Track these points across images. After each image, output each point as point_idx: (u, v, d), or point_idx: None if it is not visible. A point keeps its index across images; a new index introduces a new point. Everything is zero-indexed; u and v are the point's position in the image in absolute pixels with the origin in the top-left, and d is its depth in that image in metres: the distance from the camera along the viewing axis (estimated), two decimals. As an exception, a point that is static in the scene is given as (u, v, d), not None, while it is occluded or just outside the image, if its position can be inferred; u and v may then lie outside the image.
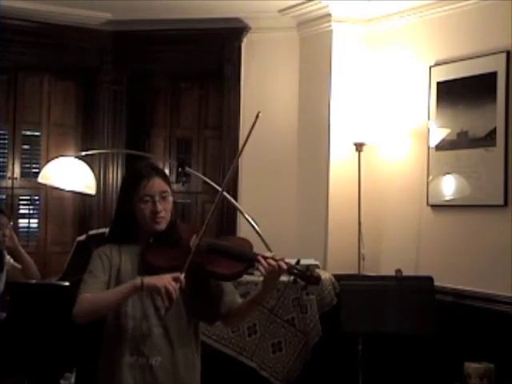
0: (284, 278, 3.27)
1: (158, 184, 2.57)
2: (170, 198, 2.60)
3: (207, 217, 2.56)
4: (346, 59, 5.28)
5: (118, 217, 2.65)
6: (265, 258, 2.47)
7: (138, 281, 2.39)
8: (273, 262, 2.45)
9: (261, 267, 2.46)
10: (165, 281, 2.35)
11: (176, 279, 2.37)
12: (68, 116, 6.28)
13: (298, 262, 2.52)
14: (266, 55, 5.78)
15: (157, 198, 2.55)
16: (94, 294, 2.46)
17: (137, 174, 2.60)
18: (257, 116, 2.67)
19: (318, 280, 2.50)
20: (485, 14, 4.55)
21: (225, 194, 5.10)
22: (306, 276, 2.47)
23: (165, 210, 2.57)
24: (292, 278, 2.50)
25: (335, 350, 4.65)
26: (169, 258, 2.50)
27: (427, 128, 4.88)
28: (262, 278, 2.55)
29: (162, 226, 2.57)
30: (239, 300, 2.65)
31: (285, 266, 2.46)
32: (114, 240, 2.63)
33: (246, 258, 2.51)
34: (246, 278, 2.69)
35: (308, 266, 2.51)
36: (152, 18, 5.83)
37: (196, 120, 6.29)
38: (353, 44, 5.31)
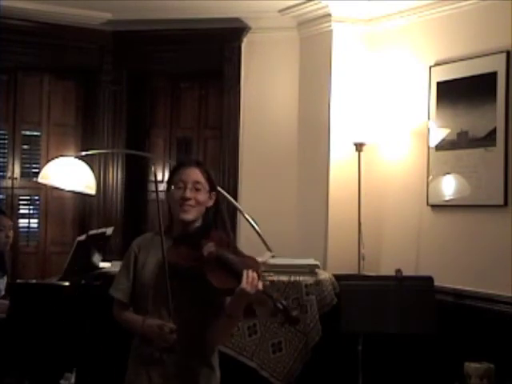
0: (284, 277, 3.27)
1: (193, 173, 2.61)
2: (205, 194, 2.61)
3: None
4: (346, 59, 5.28)
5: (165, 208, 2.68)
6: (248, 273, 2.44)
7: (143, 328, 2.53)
8: (252, 276, 2.43)
9: (243, 278, 2.43)
10: (160, 336, 2.47)
11: (171, 330, 2.46)
12: (68, 116, 6.28)
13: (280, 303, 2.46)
14: (266, 55, 5.78)
15: (189, 186, 2.58)
16: (127, 314, 2.63)
17: (178, 163, 2.69)
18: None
19: (296, 321, 2.48)
20: (485, 14, 4.55)
21: (225, 193, 5.11)
22: (287, 314, 2.45)
23: (195, 200, 2.58)
24: (273, 310, 2.46)
25: (335, 349, 4.64)
26: (186, 261, 2.53)
27: (427, 128, 4.88)
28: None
29: (189, 215, 2.58)
30: None
31: (260, 287, 2.43)
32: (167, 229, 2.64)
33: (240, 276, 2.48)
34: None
35: (288, 304, 2.47)
36: (152, 18, 5.83)
37: (196, 120, 6.29)
38: (353, 44, 5.31)
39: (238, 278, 2.45)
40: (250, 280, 2.41)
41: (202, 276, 2.48)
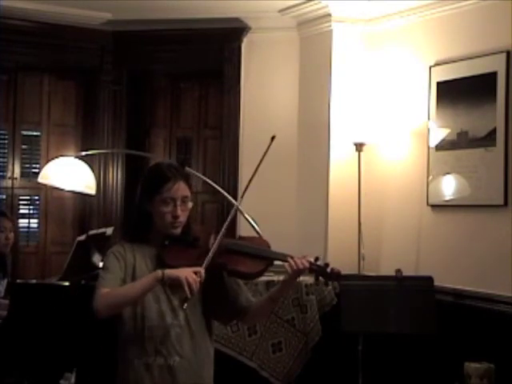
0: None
1: (182, 188, 2.57)
2: (190, 204, 2.61)
3: (227, 219, 2.60)
4: (346, 59, 5.28)
5: (137, 215, 2.63)
6: (290, 256, 2.53)
7: (158, 272, 2.40)
8: (298, 261, 2.51)
9: (287, 266, 2.51)
10: (186, 273, 2.37)
11: (196, 272, 2.39)
12: (68, 116, 6.28)
13: (316, 259, 2.55)
14: (265, 55, 5.78)
15: (178, 202, 2.55)
16: (114, 288, 2.47)
17: (162, 174, 2.58)
18: (272, 139, 2.70)
19: (338, 275, 2.53)
20: (485, 14, 4.55)
21: (225, 193, 5.11)
22: (327, 273, 2.52)
23: (183, 215, 2.58)
24: (313, 275, 2.54)
25: (335, 349, 4.65)
26: (189, 259, 2.50)
27: (427, 128, 4.88)
28: (281, 277, 2.61)
29: (178, 230, 2.58)
30: (253, 299, 2.67)
31: (307, 264, 2.51)
32: (129, 238, 2.63)
33: (267, 257, 2.55)
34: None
35: (327, 263, 2.55)
36: (152, 18, 5.83)
37: (196, 120, 6.29)
38: (353, 44, 5.31)
39: (261, 258, 2.54)
40: (296, 261, 2.50)
41: (224, 269, 2.51)
